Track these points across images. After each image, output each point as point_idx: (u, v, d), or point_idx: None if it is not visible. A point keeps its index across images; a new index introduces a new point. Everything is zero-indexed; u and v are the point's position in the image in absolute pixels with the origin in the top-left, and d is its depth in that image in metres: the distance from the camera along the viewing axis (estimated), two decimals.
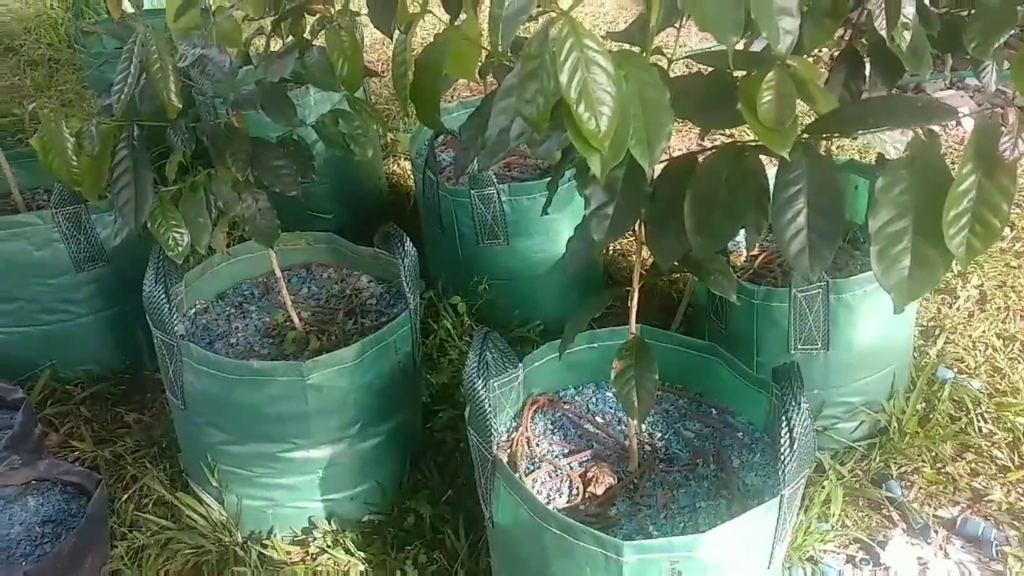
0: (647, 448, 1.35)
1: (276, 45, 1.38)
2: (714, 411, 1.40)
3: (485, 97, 1.12)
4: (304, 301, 1.72)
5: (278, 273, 1.57)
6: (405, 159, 2.77)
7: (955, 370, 1.84)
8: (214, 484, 1.57)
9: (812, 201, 0.84)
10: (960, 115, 0.88)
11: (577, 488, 1.29)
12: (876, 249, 0.80)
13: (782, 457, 1.09)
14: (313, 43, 1.32)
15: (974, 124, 0.77)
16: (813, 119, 0.87)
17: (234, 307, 1.71)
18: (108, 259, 1.90)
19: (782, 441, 1.10)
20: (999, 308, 2.02)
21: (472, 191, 1.84)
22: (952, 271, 2.14)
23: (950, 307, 2.04)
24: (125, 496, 1.68)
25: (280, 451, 1.50)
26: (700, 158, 0.94)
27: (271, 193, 1.41)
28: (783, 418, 1.11)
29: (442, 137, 2.02)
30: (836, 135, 0.87)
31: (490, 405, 1.20)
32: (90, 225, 1.85)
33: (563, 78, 0.76)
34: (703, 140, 0.99)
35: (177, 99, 1.13)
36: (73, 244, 1.85)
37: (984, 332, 1.94)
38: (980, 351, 1.90)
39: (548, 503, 1.27)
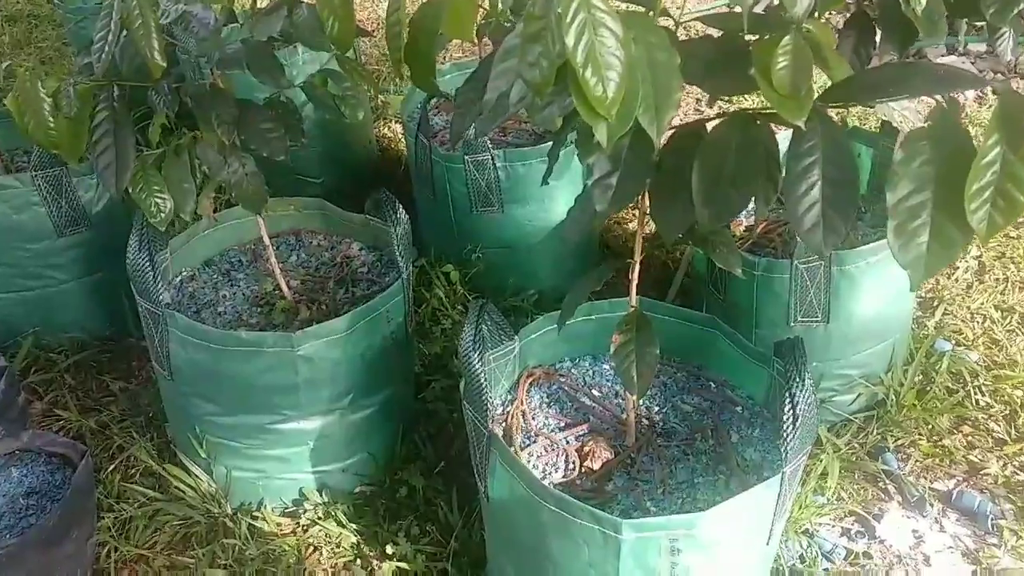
0: (644, 422, 1.33)
1: (263, 1, 1.32)
2: (713, 384, 1.37)
3: (483, 60, 1.07)
4: (293, 269, 1.68)
5: (266, 240, 1.53)
6: (396, 121, 2.71)
7: (953, 342, 1.82)
8: (203, 455, 1.55)
9: (827, 173, 0.81)
10: (986, 84, 0.84)
11: (573, 463, 1.27)
12: (894, 224, 0.77)
13: (784, 434, 1.07)
14: (302, 0, 1.26)
15: (999, 95, 0.73)
16: (824, 86, 0.83)
17: (221, 275, 1.67)
18: (90, 223, 1.85)
19: (785, 418, 1.07)
20: (997, 279, 2.00)
21: (466, 157, 1.79)
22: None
23: (948, 278, 2.01)
24: (111, 467, 1.65)
25: (270, 422, 1.47)
26: (708, 127, 0.90)
27: (258, 157, 1.36)
28: (786, 394, 1.08)
29: (435, 100, 1.96)
30: (852, 103, 0.83)
31: (486, 379, 1.17)
32: (71, 188, 1.80)
33: (569, 41, 0.72)
34: (711, 107, 0.95)
35: (161, 58, 1.08)
36: (54, 208, 1.79)
37: (982, 304, 1.92)
38: (978, 323, 1.89)
39: (544, 478, 1.24)
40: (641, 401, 1.35)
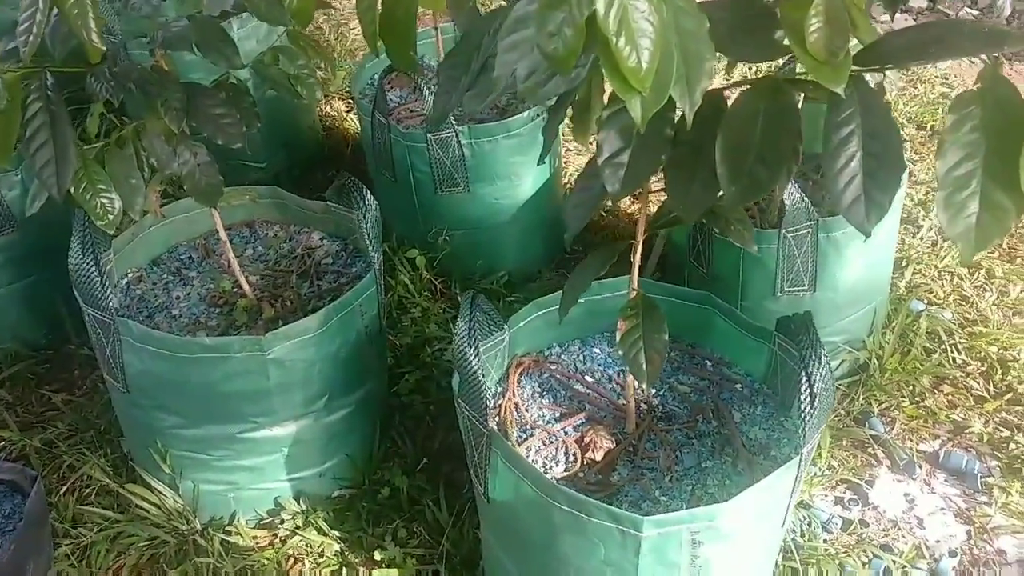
0: (643, 406, 1.28)
1: None
2: (708, 363, 1.33)
3: (466, 32, 0.98)
4: (251, 264, 1.56)
5: (223, 235, 1.41)
6: (339, 99, 2.58)
7: (925, 301, 1.83)
8: (166, 470, 1.43)
9: (866, 144, 0.75)
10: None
11: (574, 454, 1.21)
12: (943, 195, 0.72)
13: (803, 414, 1.03)
14: None
15: None
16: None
17: (172, 274, 1.54)
18: (17, 224, 1.69)
19: (802, 398, 1.03)
20: None
21: (428, 135, 1.69)
22: (912, 200, 2.12)
23: (914, 236, 2.02)
24: (63, 489, 1.52)
25: (240, 432, 1.36)
26: (728, 95, 0.83)
27: (208, 145, 1.25)
28: (803, 374, 1.04)
29: (392, 75, 1.85)
30: (888, 66, 0.78)
31: (483, 375, 1.09)
32: None
33: (599, 6, 0.64)
34: (728, 75, 0.89)
35: (99, 40, 0.95)
36: None
37: (949, 262, 1.93)
38: (947, 280, 1.89)
39: (545, 473, 1.18)
40: (636, 384, 1.30)
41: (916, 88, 2.56)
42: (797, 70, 1.54)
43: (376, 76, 1.92)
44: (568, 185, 2.16)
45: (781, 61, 1.60)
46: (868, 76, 0.78)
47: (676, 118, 0.85)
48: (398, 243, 1.89)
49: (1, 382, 1.75)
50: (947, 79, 2.62)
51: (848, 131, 0.75)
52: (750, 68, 2.43)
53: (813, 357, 1.04)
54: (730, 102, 0.83)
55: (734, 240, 0.98)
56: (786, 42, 0.78)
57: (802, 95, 0.84)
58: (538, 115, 1.73)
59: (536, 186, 1.80)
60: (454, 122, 1.67)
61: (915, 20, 2.90)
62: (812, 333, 1.07)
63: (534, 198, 1.82)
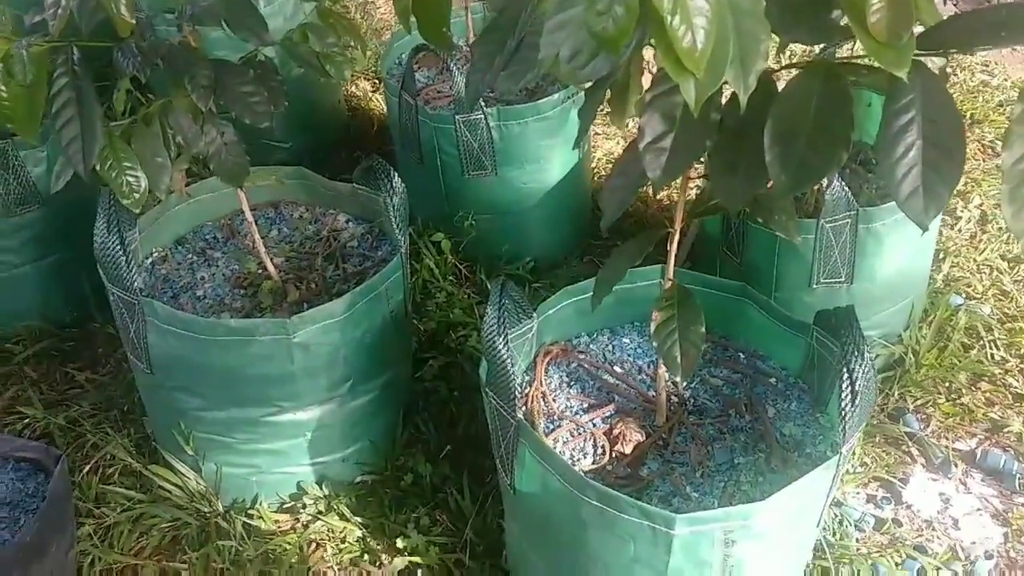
0: (673, 399, 1.25)
1: None
2: (742, 356, 1.29)
3: (502, 8, 0.94)
4: (276, 245, 1.54)
5: (248, 216, 1.39)
6: (364, 79, 2.55)
7: (963, 295, 1.78)
8: (189, 452, 1.42)
9: (926, 132, 0.71)
10: None
11: (603, 447, 1.18)
12: (1008, 188, 0.68)
13: (843, 412, 0.99)
14: None
15: None
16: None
17: (196, 254, 1.52)
18: (42, 201, 1.68)
19: (843, 395, 1.00)
20: (1000, 228, 1.96)
21: (457, 116, 1.66)
22: None
23: (951, 228, 1.96)
24: (87, 467, 1.52)
25: (264, 415, 1.35)
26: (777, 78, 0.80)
27: (235, 124, 1.22)
28: (843, 370, 1.01)
29: (420, 55, 1.82)
30: (951, 51, 0.74)
31: (512, 364, 1.07)
32: (19, 163, 1.62)
33: None
34: (777, 58, 0.85)
35: (128, 14, 0.93)
36: (1, 185, 1.62)
37: (988, 255, 1.88)
38: (986, 274, 1.84)
39: (573, 465, 1.15)
40: (666, 375, 1.27)
41: (956, 76, 2.48)
42: (837, 54, 1.49)
43: (404, 56, 1.89)
44: (596, 170, 2.12)
45: (818, 49, 1.55)
46: (929, 61, 0.74)
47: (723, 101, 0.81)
48: (423, 226, 1.86)
49: (26, 359, 1.75)
50: (987, 66, 2.54)
51: (907, 119, 0.71)
52: (783, 52, 2.38)
53: (856, 353, 1.01)
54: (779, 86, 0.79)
55: (778, 230, 0.95)
56: (844, 22, 0.74)
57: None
58: (568, 98, 1.70)
59: (564, 171, 1.77)
60: (483, 104, 1.64)
61: (954, 4, 2.81)
62: (855, 328, 1.04)
63: (562, 183, 1.78)
